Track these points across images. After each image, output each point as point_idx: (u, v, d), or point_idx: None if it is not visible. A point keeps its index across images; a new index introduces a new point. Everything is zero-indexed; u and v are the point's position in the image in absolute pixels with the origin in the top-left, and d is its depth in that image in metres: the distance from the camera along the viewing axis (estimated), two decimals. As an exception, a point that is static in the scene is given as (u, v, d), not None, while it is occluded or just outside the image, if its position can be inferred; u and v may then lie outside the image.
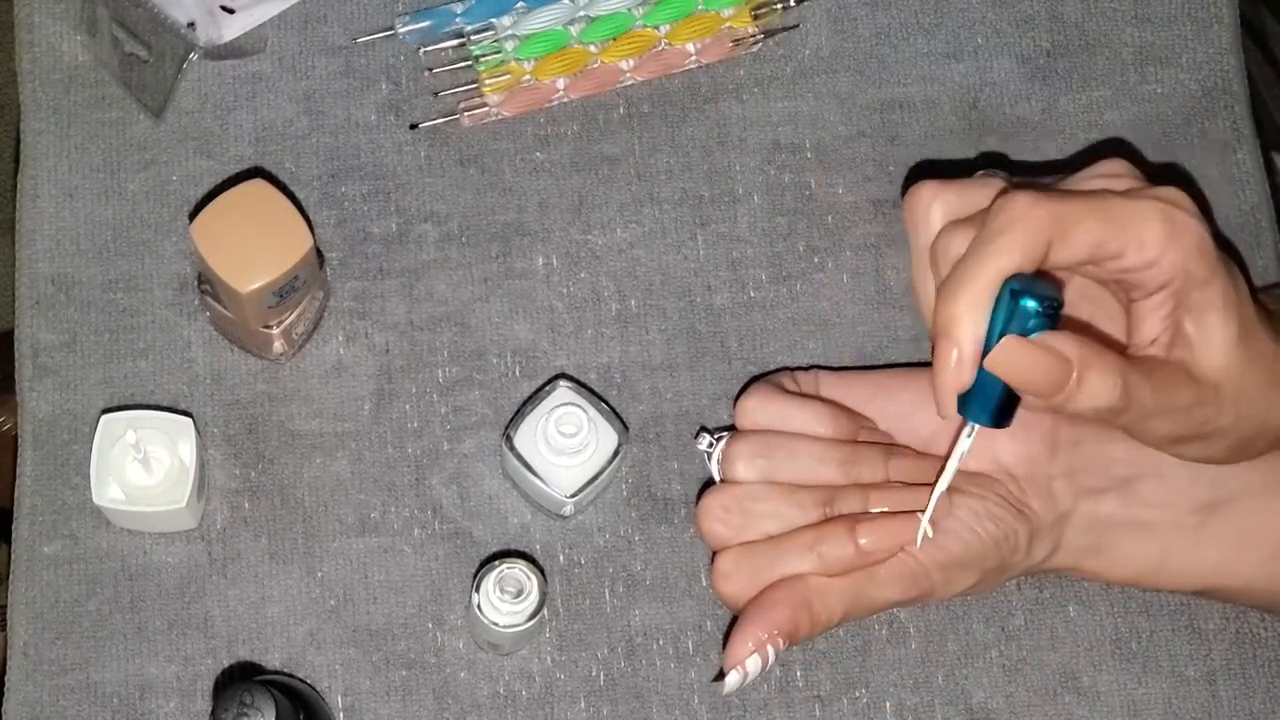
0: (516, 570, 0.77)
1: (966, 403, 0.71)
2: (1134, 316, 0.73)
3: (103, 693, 0.81)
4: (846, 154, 0.89)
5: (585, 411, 0.79)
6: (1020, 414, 0.74)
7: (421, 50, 0.90)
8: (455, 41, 0.90)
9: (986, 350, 0.69)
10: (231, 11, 0.90)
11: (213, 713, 0.69)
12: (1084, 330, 0.75)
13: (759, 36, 0.90)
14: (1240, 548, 0.78)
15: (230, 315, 0.81)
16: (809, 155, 0.89)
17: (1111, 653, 0.83)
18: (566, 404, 0.80)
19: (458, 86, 0.89)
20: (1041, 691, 0.82)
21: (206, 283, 0.81)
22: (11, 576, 0.83)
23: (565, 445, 0.79)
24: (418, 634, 0.82)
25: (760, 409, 0.80)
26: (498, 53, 0.89)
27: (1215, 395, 0.71)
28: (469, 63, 0.89)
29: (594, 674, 0.82)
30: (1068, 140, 0.90)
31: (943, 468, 0.75)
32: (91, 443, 0.80)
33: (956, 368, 0.69)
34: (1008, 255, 0.69)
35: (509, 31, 0.89)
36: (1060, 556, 0.79)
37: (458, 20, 0.90)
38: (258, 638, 0.82)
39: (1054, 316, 0.68)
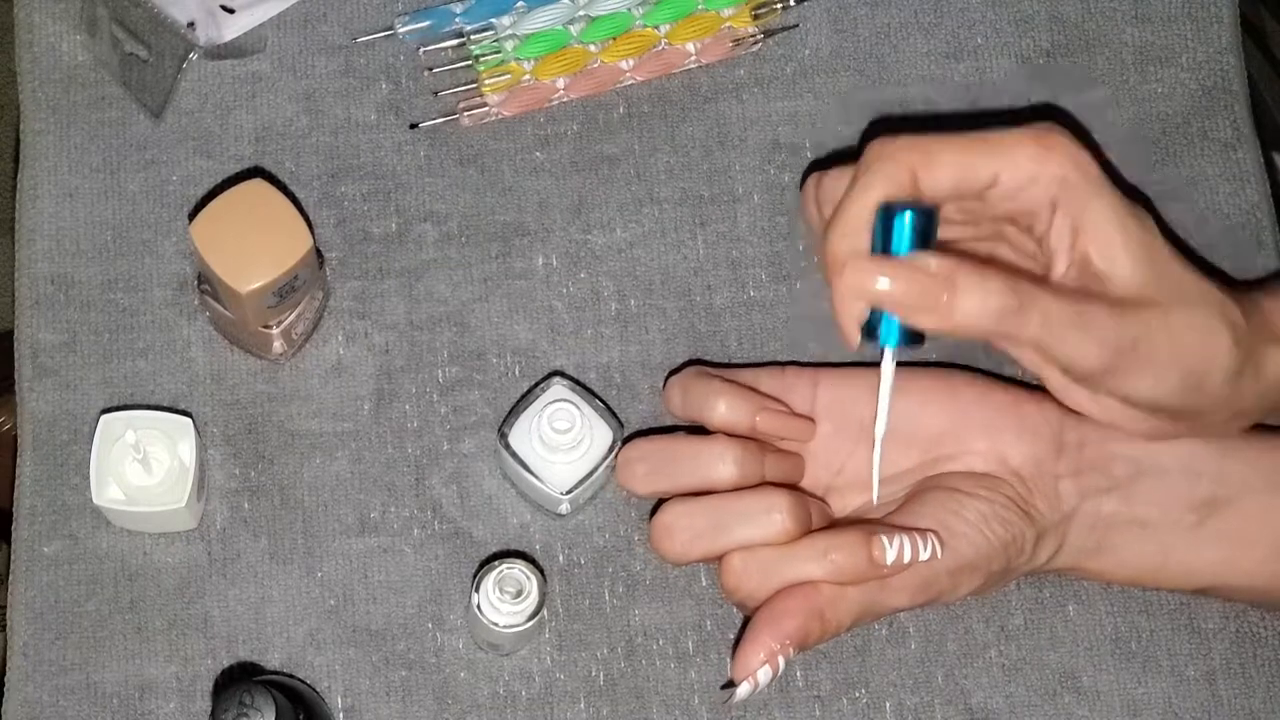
0: (516, 570, 0.77)
1: (875, 330, 0.72)
2: (1045, 255, 0.74)
3: (103, 693, 0.81)
4: (846, 154, 0.89)
5: (579, 408, 0.79)
6: (1027, 418, 0.74)
7: (421, 50, 0.90)
8: (455, 41, 0.90)
9: None
10: (231, 11, 0.90)
11: (212, 713, 0.69)
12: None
13: (759, 36, 0.90)
14: (1240, 546, 0.78)
15: (230, 315, 0.81)
16: (809, 155, 0.89)
17: (1111, 652, 0.83)
18: (560, 400, 0.80)
19: (457, 86, 0.89)
20: (1041, 691, 0.82)
21: (206, 283, 0.81)
22: (11, 577, 0.83)
23: (559, 442, 0.79)
24: (417, 634, 0.82)
25: (672, 389, 0.81)
26: (497, 52, 0.89)
27: (1138, 312, 0.72)
28: (469, 62, 0.89)
29: (594, 674, 0.82)
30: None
31: (877, 405, 0.75)
32: (91, 443, 0.80)
33: (845, 300, 0.71)
34: (876, 188, 0.72)
35: (509, 31, 0.89)
36: (1063, 557, 0.79)
37: (457, 20, 0.90)
38: (257, 638, 0.82)
39: (926, 225, 0.71)
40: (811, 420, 0.80)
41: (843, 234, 0.72)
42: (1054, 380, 0.75)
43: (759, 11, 0.91)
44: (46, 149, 0.88)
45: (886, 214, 0.71)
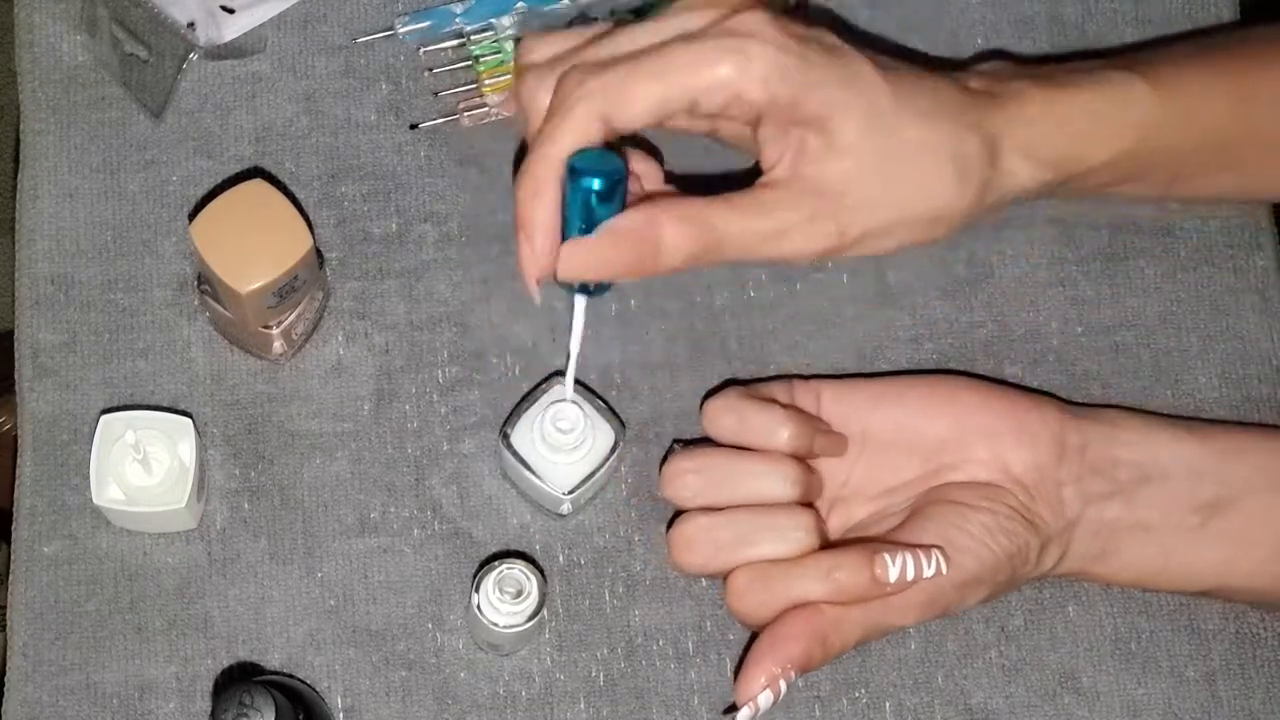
0: (516, 571, 0.77)
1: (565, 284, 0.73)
2: (758, 143, 0.74)
3: (103, 693, 0.81)
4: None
5: (581, 408, 0.79)
6: (1028, 425, 0.74)
7: (421, 50, 0.90)
8: (455, 42, 0.90)
9: (570, 229, 0.71)
10: (231, 11, 0.90)
11: (212, 713, 0.69)
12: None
13: (759, 37, 0.90)
14: (1242, 548, 0.78)
15: (230, 315, 0.81)
16: (809, 155, 0.89)
17: (1111, 653, 0.83)
18: (562, 400, 0.80)
19: (458, 86, 0.89)
20: (1041, 692, 0.82)
21: (206, 283, 0.81)
22: (11, 577, 0.83)
23: (561, 442, 0.79)
24: (417, 634, 0.82)
25: (723, 413, 0.79)
26: (498, 53, 0.89)
27: (841, 201, 0.72)
28: (469, 63, 0.89)
29: (594, 674, 0.82)
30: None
31: (569, 345, 0.76)
32: (91, 443, 0.80)
33: (531, 259, 0.72)
34: (563, 139, 0.70)
35: (509, 31, 0.89)
36: (1067, 563, 0.79)
37: (458, 20, 0.90)
38: (257, 638, 0.82)
39: (615, 189, 0.71)
40: (845, 437, 0.80)
41: (532, 192, 0.71)
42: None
43: (759, 12, 0.91)
44: (46, 149, 0.88)
45: (577, 180, 0.70)
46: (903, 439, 0.79)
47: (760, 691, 0.74)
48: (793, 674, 0.74)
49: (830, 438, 0.79)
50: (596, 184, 0.70)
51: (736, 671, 0.76)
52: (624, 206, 0.72)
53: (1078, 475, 0.78)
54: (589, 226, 0.71)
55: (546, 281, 0.73)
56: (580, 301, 0.74)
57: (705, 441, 0.80)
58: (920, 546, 0.74)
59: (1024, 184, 0.77)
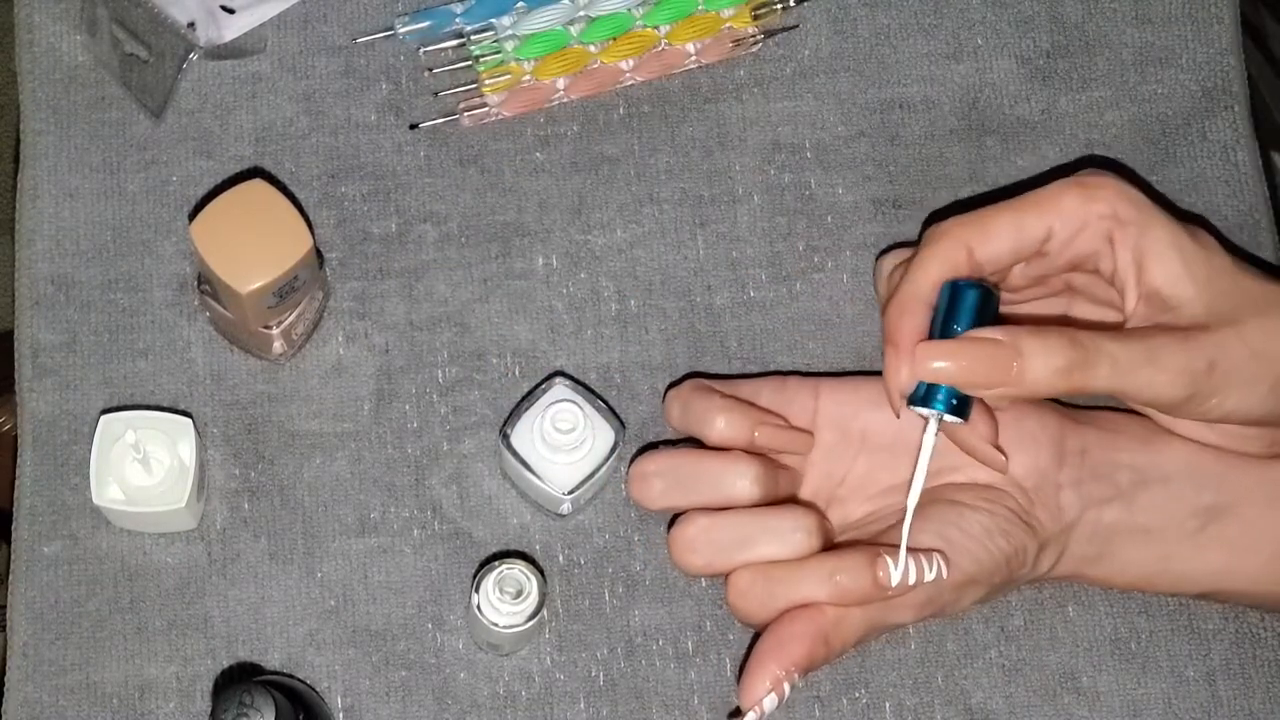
0: (516, 571, 0.77)
1: (927, 400, 0.73)
2: (1119, 292, 0.75)
3: (102, 693, 0.81)
4: (846, 154, 0.89)
5: (581, 408, 0.79)
6: (1027, 427, 0.74)
7: (421, 50, 0.90)
8: (455, 41, 0.90)
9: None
10: (231, 11, 0.90)
11: (212, 713, 0.69)
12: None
13: (759, 37, 0.90)
14: (1242, 551, 0.78)
15: (230, 315, 0.81)
16: (809, 155, 0.89)
17: (1111, 653, 0.83)
18: (562, 400, 0.80)
19: (458, 86, 0.89)
20: (1041, 692, 0.82)
21: (206, 283, 0.81)
22: (11, 576, 0.83)
23: (562, 442, 0.79)
24: (417, 634, 0.82)
25: (671, 403, 0.81)
26: (498, 53, 0.89)
27: (1205, 334, 0.72)
28: (469, 63, 0.89)
29: (594, 674, 0.82)
30: (1067, 141, 0.90)
31: (914, 474, 0.74)
32: (91, 443, 0.80)
33: (895, 369, 0.73)
34: (933, 265, 0.74)
35: (509, 31, 0.89)
36: (1064, 566, 0.79)
37: (458, 20, 0.90)
38: (257, 638, 0.82)
39: (987, 301, 0.73)
40: (809, 433, 0.80)
41: (900, 311, 0.74)
42: (1161, 419, 0.78)
43: (759, 12, 0.91)
44: (47, 149, 0.88)
45: (952, 293, 0.73)
46: (902, 439, 0.78)
47: (765, 695, 0.74)
48: (796, 676, 0.74)
49: (787, 433, 0.79)
50: (970, 287, 0.73)
51: (740, 672, 0.76)
52: None
53: (1077, 479, 0.78)
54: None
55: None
56: (933, 426, 0.73)
57: (690, 442, 0.80)
58: (922, 551, 0.74)
59: None
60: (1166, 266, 0.73)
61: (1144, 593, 0.82)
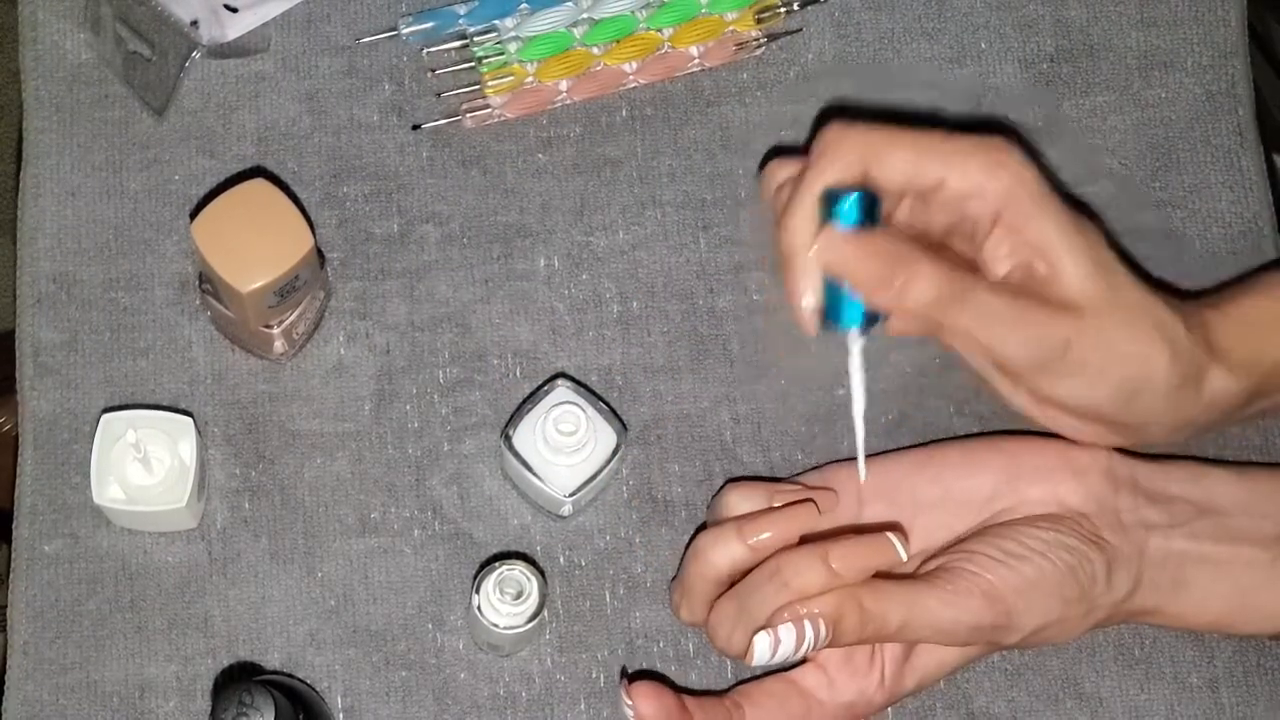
0: (516, 572, 0.77)
1: (835, 318, 0.74)
2: (984, 260, 0.76)
3: (103, 692, 0.81)
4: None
5: (584, 410, 0.79)
6: (1076, 459, 0.75)
7: (425, 51, 0.90)
8: (458, 43, 0.90)
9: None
10: (235, 10, 0.90)
11: (212, 713, 0.68)
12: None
13: (762, 40, 0.90)
14: None
15: (231, 315, 0.81)
16: (811, 159, 0.89)
17: (1114, 658, 0.82)
18: (565, 403, 0.80)
19: (461, 88, 0.89)
20: (1043, 697, 0.82)
21: (207, 282, 0.81)
22: (11, 576, 0.83)
23: (564, 444, 0.79)
24: (418, 635, 0.82)
25: (718, 505, 0.79)
26: (501, 54, 0.89)
27: (1075, 317, 0.73)
28: (472, 64, 0.89)
29: (594, 676, 0.82)
30: (1071, 145, 0.90)
31: (850, 389, 0.75)
32: (92, 442, 0.80)
33: (801, 276, 0.73)
34: (824, 174, 0.74)
35: (512, 33, 0.89)
36: (1144, 594, 0.77)
37: (461, 21, 0.90)
38: (258, 638, 0.81)
39: (869, 207, 0.73)
40: (828, 489, 0.79)
41: (800, 215, 0.74)
42: (996, 381, 0.77)
43: (762, 15, 0.91)
44: (49, 147, 0.88)
45: (831, 199, 0.73)
46: (951, 497, 0.77)
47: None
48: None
49: (800, 515, 0.76)
50: (856, 195, 0.73)
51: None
52: None
53: (1134, 505, 0.77)
54: None
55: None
56: (855, 344, 0.74)
57: (703, 449, 0.80)
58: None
59: (1228, 389, 0.76)
60: (1051, 247, 0.74)
61: (1226, 634, 0.81)
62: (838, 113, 0.88)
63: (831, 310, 0.74)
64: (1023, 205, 0.74)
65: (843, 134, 0.75)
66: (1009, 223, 0.74)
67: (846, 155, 0.74)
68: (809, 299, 0.74)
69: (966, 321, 0.73)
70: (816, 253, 0.73)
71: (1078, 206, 0.77)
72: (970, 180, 0.74)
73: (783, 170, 0.79)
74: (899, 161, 0.74)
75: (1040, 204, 0.74)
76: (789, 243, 0.74)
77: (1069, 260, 0.74)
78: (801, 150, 0.86)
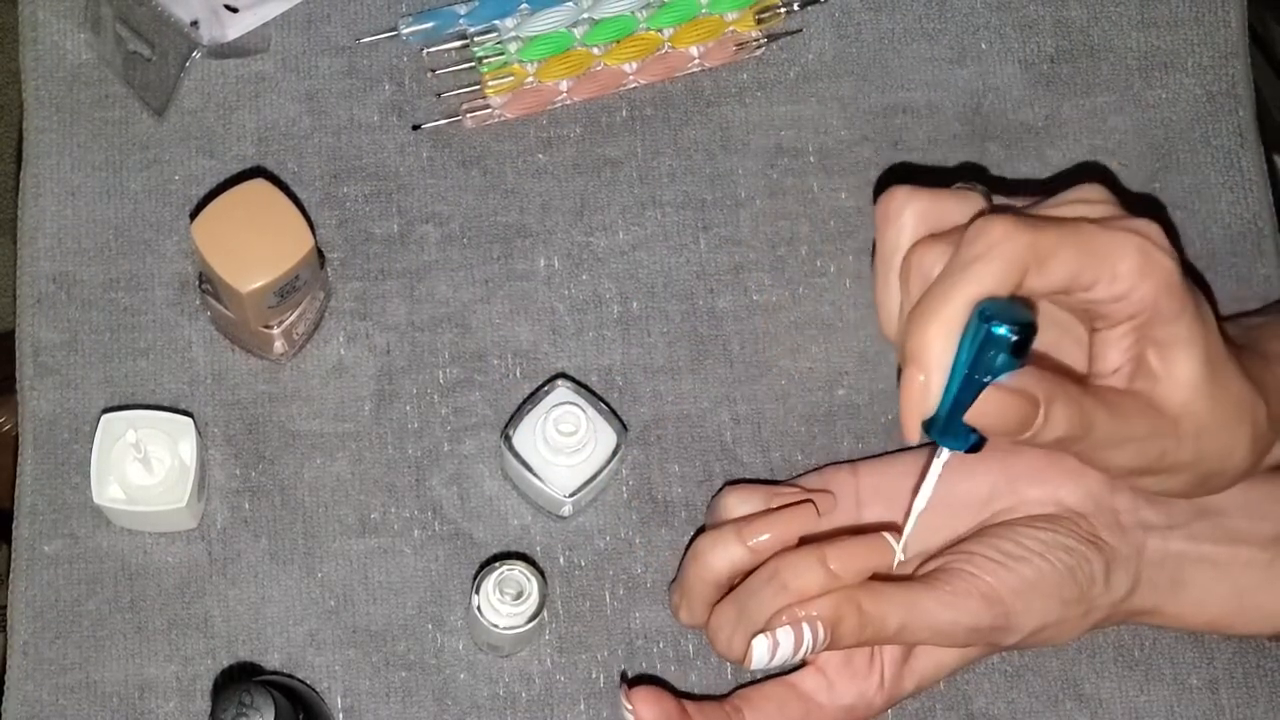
0: (516, 572, 0.77)
1: (936, 426, 0.69)
2: (1097, 344, 0.72)
3: (102, 692, 0.81)
4: (849, 158, 0.89)
5: (584, 411, 0.79)
6: (1071, 460, 0.74)
7: (425, 51, 0.90)
8: (459, 43, 0.90)
9: (954, 373, 0.67)
10: (235, 10, 0.90)
11: (212, 713, 0.68)
12: (1042, 357, 0.75)
13: (762, 40, 0.90)
14: None
15: (231, 315, 0.81)
16: (812, 159, 0.89)
17: (1114, 660, 0.82)
18: (565, 403, 0.80)
19: (461, 88, 0.89)
20: (1043, 698, 0.82)
21: (207, 282, 0.81)
22: (11, 576, 0.83)
23: (564, 444, 0.79)
24: (417, 635, 0.82)
25: (717, 508, 0.79)
26: (501, 54, 0.89)
27: (1175, 429, 0.71)
28: (472, 64, 0.89)
29: (594, 676, 0.82)
30: (1071, 146, 0.90)
31: (917, 489, 0.73)
32: (92, 442, 0.80)
33: (922, 396, 0.68)
34: (982, 282, 0.67)
35: (512, 33, 0.89)
36: (1142, 594, 0.77)
37: (461, 22, 0.90)
38: (257, 638, 0.81)
39: (1024, 344, 0.66)
40: (826, 491, 0.79)
41: (939, 332, 0.67)
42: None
43: (762, 16, 0.91)
44: (49, 147, 0.88)
45: (982, 317, 0.66)
46: (948, 500, 0.77)
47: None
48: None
49: (797, 518, 0.76)
50: (1012, 335, 0.66)
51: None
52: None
53: (1133, 505, 0.77)
54: (984, 375, 0.67)
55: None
56: (943, 455, 0.71)
57: (703, 450, 0.80)
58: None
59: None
60: (1176, 362, 0.70)
61: (1225, 634, 0.81)
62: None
63: (940, 424, 0.69)
64: (1162, 310, 0.69)
65: (1009, 236, 0.67)
66: (1144, 324, 0.70)
67: (1008, 263, 0.67)
68: (923, 418, 0.69)
69: (1079, 446, 0.70)
70: (977, 413, 0.67)
71: (1191, 275, 0.73)
72: (1120, 285, 0.69)
73: (931, 253, 0.70)
74: (1060, 268, 0.68)
75: (1179, 306, 0.70)
76: (923, 355, 0.67)
77: (1185, 365, 0.70)
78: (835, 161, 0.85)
